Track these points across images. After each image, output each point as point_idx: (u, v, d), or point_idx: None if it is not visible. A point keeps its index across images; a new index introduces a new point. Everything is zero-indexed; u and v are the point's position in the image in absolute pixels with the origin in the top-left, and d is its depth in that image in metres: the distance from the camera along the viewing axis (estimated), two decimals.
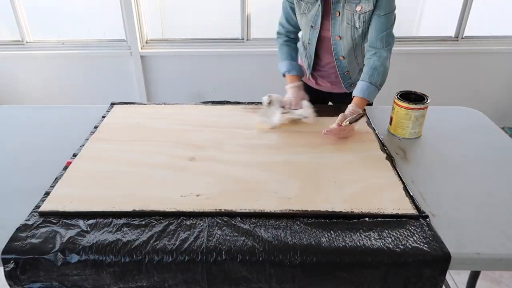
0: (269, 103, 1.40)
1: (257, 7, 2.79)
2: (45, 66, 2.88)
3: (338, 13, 1.33)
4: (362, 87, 1.33)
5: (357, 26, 1.34)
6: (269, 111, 1.37)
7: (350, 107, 1.33)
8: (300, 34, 1.57)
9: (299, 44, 1.58)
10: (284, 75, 1.51)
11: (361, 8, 1.29)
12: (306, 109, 1.35)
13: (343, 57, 1.44)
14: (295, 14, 1.45)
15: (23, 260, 0.83)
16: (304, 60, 1.59)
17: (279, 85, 2.98)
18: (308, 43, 1.47)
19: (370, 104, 1.50)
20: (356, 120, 1.24)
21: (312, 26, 1.40)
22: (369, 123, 1.36)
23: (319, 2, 1.33)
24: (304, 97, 1.42)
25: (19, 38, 2.84)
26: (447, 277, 1.83)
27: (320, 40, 1.43)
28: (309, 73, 1.58)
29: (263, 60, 2.87)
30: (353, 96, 1.35)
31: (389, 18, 1.32)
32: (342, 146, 1.22)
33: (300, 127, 1.33)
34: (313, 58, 1.50)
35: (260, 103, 1.51)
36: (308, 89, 1.62)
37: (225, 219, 0.91)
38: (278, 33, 1.54)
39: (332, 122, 1.25)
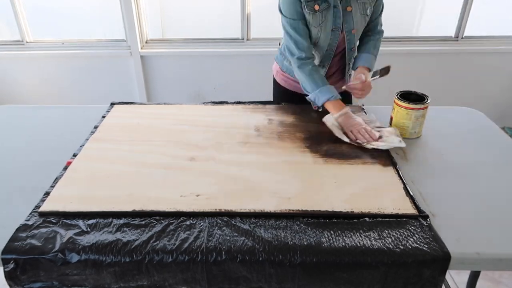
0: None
1: (257, 7, 2.79)
2: (45, 66, 2.88)
3: (349, 7, 1.32)
4: (367, 58, 1.42)
5: (368, 13, 1.36)
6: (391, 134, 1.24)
7: (361, 72, 1.37)
8: None
9: None
10: (320, 107, 1.34)
11: None
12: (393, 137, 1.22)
13: (354, 48, 1.44)
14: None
15: (23, 260, 0.83)
16: None
17: None
18: (327, 50, 1.40)
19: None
20: (385, 73, 1.28)
21: (333, 29, 1.35)
22: (369, 123, 1.35)
23: (332, 4, 1.30)
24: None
25: (19, 38, 2.84)
26: (447, 277, 1.83)
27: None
28: None
29: (263, 60, 2.87)
30: (358, 67, 1.41)
31: None
32: (343, 146, 1.21)
33: (300, 127, 1.32)
34: (330, 63, 1.45)
35: (260, 102, 1.52)
36: (291, 95, 1.58)
37: (225, 219, 0.91)
38: (300, 59, 1.34)
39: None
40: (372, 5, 1.36)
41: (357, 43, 1.46)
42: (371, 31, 1.45)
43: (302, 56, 1.34)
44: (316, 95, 1.32)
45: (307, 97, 1.37)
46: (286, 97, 1.58)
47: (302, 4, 1.29)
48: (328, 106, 1.32)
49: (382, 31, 1.47)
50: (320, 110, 1.37)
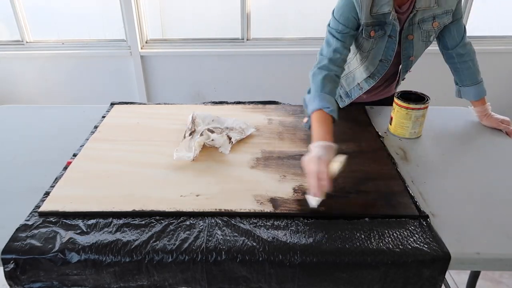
0: (191, 133, 1.21)
1: (257, 7, 2.79)
2: (45, 66, 2.88)
3: (411, 36, 1.26)
4: (480, 88, 1.35)
5: (431, 40, 1.31)
6: (190, 143, 1.16)
7: (492, 112, 1.34)
8: (346, 66, 1.37)
9: (344, 75, 1.43)
10: (308, 119, 1.13)
11: (438, 24, 1.24)
12: (221, 138, 1.18)
13: (410, 71, 1.41)
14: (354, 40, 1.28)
15: (23, 260, 0.83)
16: (343, 91, 1.46)
17: (279, 85, 2.99)
18: (369, 76, 1.35)
19: (370, 104, 1.50)
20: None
21: (381, 60, 1.30)
22: (369, 123, 1.36)
23: (388, 34, 1.23)
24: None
25: (19, 38, 2.84)
26: (447, 277, 1.83)
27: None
28: (348, 101, 1.45)
29: (263, 60, 2.87)
30: (474, 100, 1.36)
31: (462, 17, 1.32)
32: (343, 146, 1.21)
33: (300, 127, 1.32)
34: (369, 88, 1.38)
35: (260, 102, 1.52)
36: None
37: (225, 219, 0.91)
38: (330, 60, 1.17)
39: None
40: (436, 33, 1.28)
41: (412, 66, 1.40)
42: (461, 48, 1.33)
43: (334, 58, 1.18)
44: (313, 98, 1.11)
45: (304, 98, 1.21)
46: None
47: (361, 27, 1.19)
48: (314, 125, 1.05)
49: (474, 51, 1.35)
50: (307, 127, 1.17)
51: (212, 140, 1.17)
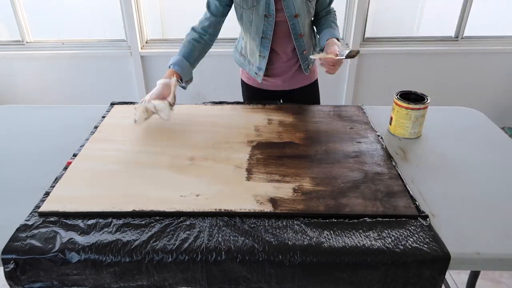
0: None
1: None
2: (45, 66, 2.88)
3: None
4: (332, 31, 1.41)
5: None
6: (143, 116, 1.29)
7: (334, 44, 1.34)
8: (242, 43, 1.55)
9: (244, 52, 1.56)
10: (168, 66, 1.43)
11: None
12: (162, 104, 1.28)
13: (302, 34, 1.44)
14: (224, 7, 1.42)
15: (23, 260, 0.83)
16: (251, 66, 1.56)
17: None
18: (262, 37, 1.42)
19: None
20: (353, 56, 1.23)
21: (266, 15, 1.36)
22: (369, 123, 1.36)
23: None
24: (167, 96, 1.30)
25: (19, 38, 2.84)
26: (447, 277, 1.83)
27: (275, 27, 1.40)
28: (262, 75, 1.54)
29: None
30: (327, 40, 1.39)
31: None
32: (343, 146, 1.22)
33: (300, 127, 1.33)
34: (268, 52, 1.46)
35: (260, 102, 1.52)
36: (257, 92, 1.63)
37: (225, 219, 0.92)
38: (196, 26, 1.46)
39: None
40: None
41: (306, 30, 1.45)
42: (326, 11, 1.48)
43: (195, 26, 1.45)
44: (172, 58, 1.44)
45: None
46: (252, 94, 1.64)
47: None
48: (167, 73, 1.40)
49: (335, 11, 1.51)
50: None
51: (155, 107, 1.26)
